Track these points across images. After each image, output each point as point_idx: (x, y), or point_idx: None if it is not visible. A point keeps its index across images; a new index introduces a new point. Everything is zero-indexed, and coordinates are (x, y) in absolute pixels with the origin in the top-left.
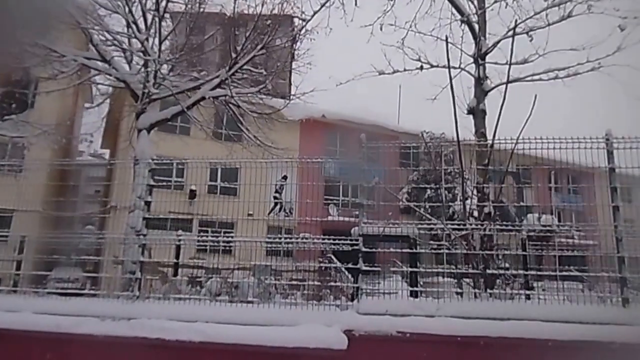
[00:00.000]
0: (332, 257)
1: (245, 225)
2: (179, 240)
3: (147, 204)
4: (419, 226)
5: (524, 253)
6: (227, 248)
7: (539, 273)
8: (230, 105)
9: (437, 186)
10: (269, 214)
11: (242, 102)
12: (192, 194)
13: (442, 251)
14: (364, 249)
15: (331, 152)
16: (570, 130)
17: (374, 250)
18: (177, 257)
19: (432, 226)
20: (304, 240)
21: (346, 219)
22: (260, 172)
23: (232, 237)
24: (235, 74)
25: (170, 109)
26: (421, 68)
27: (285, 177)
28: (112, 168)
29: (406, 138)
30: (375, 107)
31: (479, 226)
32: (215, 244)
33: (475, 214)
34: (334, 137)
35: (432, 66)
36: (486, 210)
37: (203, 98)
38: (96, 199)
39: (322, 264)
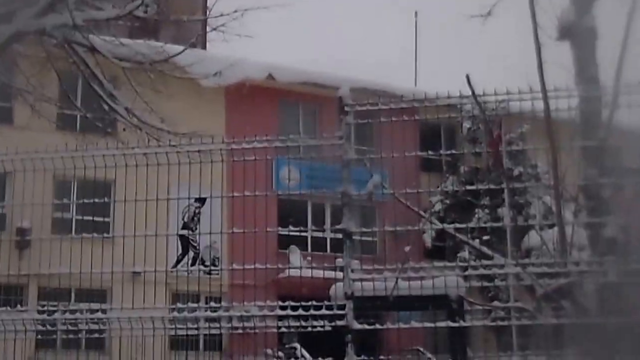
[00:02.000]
0: (297, 346)
1: (128, 292)
2: None
3: None
4: (467, 274)
5: None
6: (96, 337)
7: None
8: (74, 47)
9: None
10: (173, 268)
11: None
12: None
13: (512, 322)
14: (357, 326)
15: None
16: None
17: (376, 326)
18: None
19: (493, 272)
20: (244, 315)
21: (320, 272)
22: (153, 185)
23: (102, 315)
24: None
25: None
26: None
27: (201, 200)
28: None
29: (432, 111)
30: (370, 61)
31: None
32: (71, 329)
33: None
34: (291, 113)
35: None
36: (608, 233)
37: (20, 35)
38: None
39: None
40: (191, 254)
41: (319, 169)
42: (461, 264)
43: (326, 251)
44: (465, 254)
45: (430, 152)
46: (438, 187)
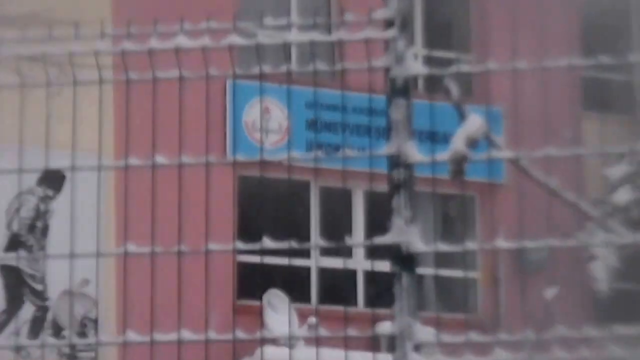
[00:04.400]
0: None
1: None
2: None
3: None
4: None
5: None
6: None
7: None
8: None
9: None
10: None
11: None
12: None
13: None
14: None
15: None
16: None
17: None
18: None
19: None
20: None
21: (339, 357)
22: None
23: None
24: None
25: None
26: None
27: (53, 180)
28: None
29: None
30: None
31: None
32: None
33: None
34: None
35: None
36: None
37: None
38: None
39: None
40: (29, 309)
41: (335, 105)
42: None
43: (355, 304)
44: None
45: (603, 60)
46: (625, 147)
